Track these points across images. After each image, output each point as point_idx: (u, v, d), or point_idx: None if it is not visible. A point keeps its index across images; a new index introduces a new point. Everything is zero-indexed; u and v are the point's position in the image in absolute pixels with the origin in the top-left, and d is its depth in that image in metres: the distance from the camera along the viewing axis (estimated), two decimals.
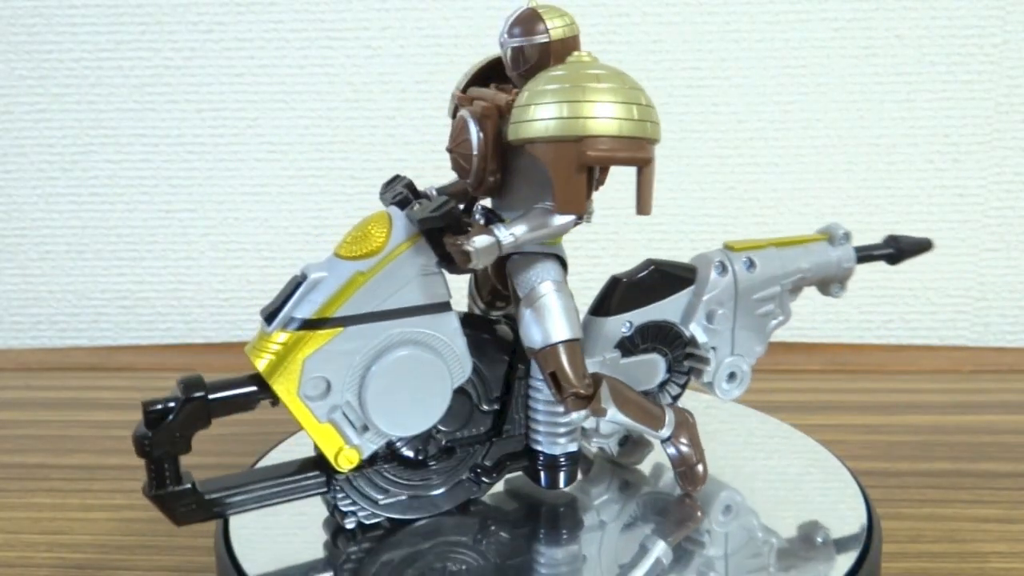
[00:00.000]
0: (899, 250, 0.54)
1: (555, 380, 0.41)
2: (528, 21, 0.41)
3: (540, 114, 0.39)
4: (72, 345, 0.92)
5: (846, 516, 0.47)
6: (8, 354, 0.90)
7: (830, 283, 0.52)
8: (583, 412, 0.42)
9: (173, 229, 0.90)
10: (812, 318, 0.89)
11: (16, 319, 0.93)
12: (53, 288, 0.92)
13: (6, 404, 0.76)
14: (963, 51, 0.84)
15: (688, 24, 0.85)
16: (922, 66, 0.85)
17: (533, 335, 0.41)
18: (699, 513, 0.47)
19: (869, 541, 0.45)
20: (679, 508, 0.48)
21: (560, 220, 0.41)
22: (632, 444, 0.51)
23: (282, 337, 0.40)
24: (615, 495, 0.49)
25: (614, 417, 0.44)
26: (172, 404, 0.39)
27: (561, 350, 0.41)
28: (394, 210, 0.42)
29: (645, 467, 0.52)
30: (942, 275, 0.88)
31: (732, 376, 0.49)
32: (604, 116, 0.39)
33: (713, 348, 0.48)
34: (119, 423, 0.71)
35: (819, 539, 0.45)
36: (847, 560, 0.43)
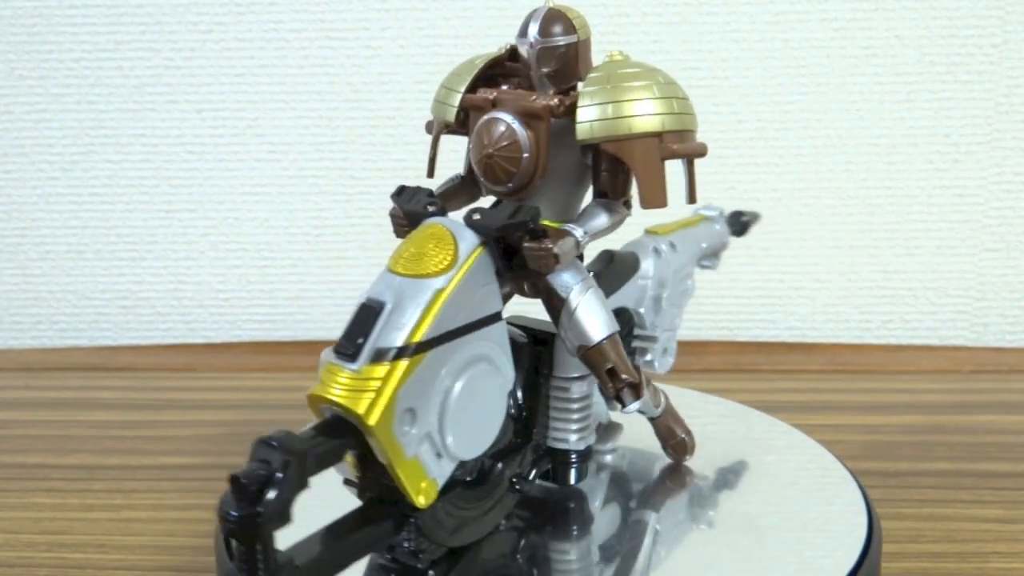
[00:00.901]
0: (741, 224, 0.59)
1: (611, 374, 0.41)
2: (558, 21, 0.41)
3: (629, 111, 0.40)
4: (72, 345, 0.92)
5: (846, 516, 0.47)
6: (8, 354, 0.90)
7: (712, 256, 0.57)
8: (635, 403, 0.42)
9: (173, 229, 0.90)
10: (812, 318, 0.89)
11: (16, 319, 0.93)
12: (53, 288, 0.92)
13: (6, 404, 0.76)
14: (963, 51, 0.84)
15: (688, 24, 0.85)
16: (922, 66, 0.85)
17: (587, 333, 0.41)
18: (700, 511, 0.47)
19: (869, 541, 0.45)
20: (681, 502, 0.48)
21: (620, 215, 0.43)
22: (603, 428, 0.51)
23: (380, 371, 0.36)
24: (612, 487, 0.49)
25: (644, 403, 0.44)
26: (279, 474, 0.33)
27: (612, 344, 0.42)
28: (447, 220, 0.40)
29: (628, 455, 0.52)
30: (942, 275, 0.88)
31: (666, 351, 0.52)
32: (678, 112, 0.41)
33: (655, 327, 0.51)
34: (119, 423, 0.71)
35: (819, 539, 0.45)
36: (847, 560, 0.43)
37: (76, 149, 0.90)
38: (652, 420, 0.50)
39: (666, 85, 0.41)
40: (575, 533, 0.46)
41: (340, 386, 0.36)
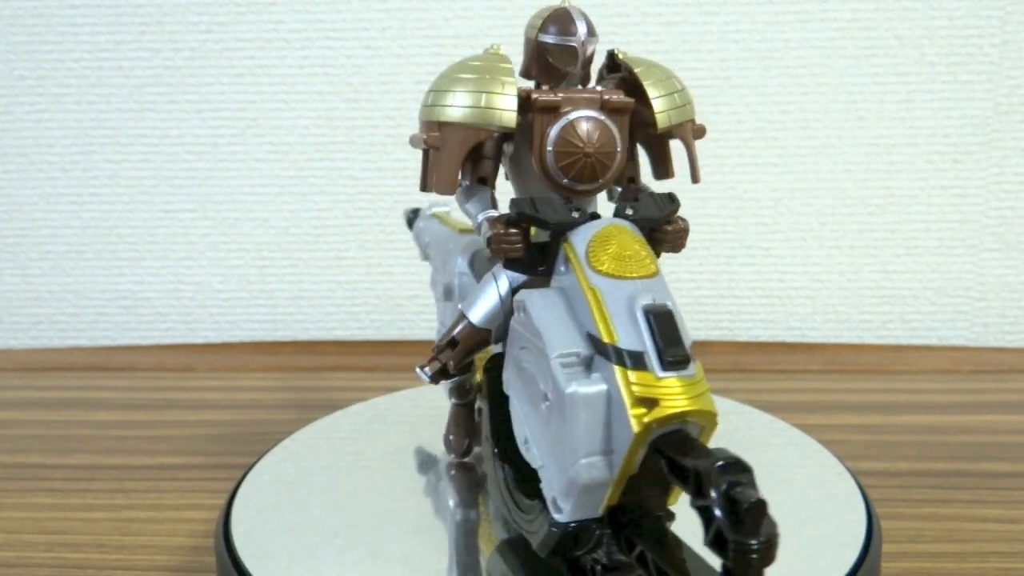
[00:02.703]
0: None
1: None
2: (589, 21, 0.43)
3: (682, 101, 0.43)
4: (72, 345, 0.92)
5: (846, 516, 0.47)
6: (8, 354, 0.90)
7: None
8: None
9: (173, 229, 0.90)
10: (812, 318, 0.89)
11: (16, 319, 0.93)
12: (53, 288, 0.92)
13: (6, 404, 0.76)
14: (963, 51, 0.85)
15: (688, 24, 0.85)
16: (922, 66, 0.85)
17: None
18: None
19: (869, 541, 0.45)
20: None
21: None
22: None
23: (700, 369, 0.34)
24: None
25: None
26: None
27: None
28: (618, 220, 0.39)
29: None
30: (942, 275, 0.88)
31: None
32: (691, 99, 0.44)
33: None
34: (119, 423, 0.71)
35: (819, 539, 0.45)
36: (847, 560, 0.43)
37: (76, 149, 0.90)
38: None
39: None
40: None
41: (689, 396, 0.33)
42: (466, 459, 0.52)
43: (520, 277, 0.41)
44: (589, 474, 0.33)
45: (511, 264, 0.40)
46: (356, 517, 0.47)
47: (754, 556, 0.29)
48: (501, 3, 0.85)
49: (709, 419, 0.33)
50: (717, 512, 0.30)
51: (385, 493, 0.49)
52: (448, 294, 0.50)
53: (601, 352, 0.34)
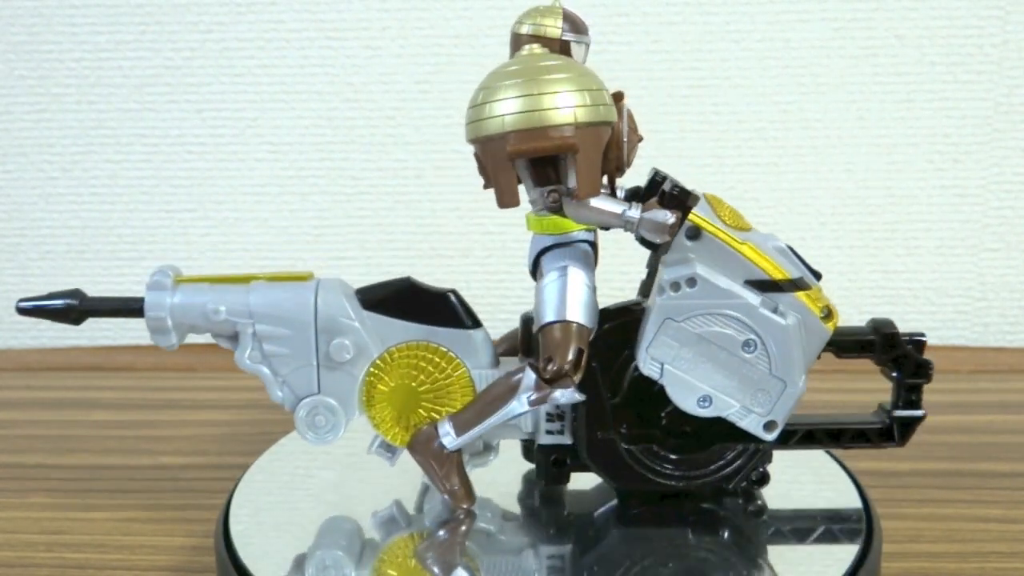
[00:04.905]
0: None
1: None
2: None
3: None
4: (72, 345, 0.92)
5: (846, 516, 0.47)
6: (8, 354, 0.90)
7: None
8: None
9: (173, 229, 0.90)
10: None
11: (16, 319, 0.93)
12: (53, 288, 0.92)
13: (6, 404, 0.76)
14: (963, 51, 0.84)
15: (688, 24, 0.85)
16: (922, 66, 0.85)
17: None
18: (696, 515, 0.47)
19: (869, 541, 0.45)
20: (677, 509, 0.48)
21: None
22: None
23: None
24: (610, 486, 0.49)
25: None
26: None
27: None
28: (695, 189, 0.43)
29: None
30: (942, 275, 0.88)
31: None
32: None
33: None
34: (119, 423, 0.71)
35: (818, 539, 0.45)
36: (847, 560, 0.43)
37: (76, 149, 0.90)
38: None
39: None
40: (552, 533, 0.46)
41: (825, 300, 0.45)
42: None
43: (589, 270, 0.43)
44: (805, 386, 0.44)
45: (655, 247, 0.44)
46: (355, 516, 0.47)
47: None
48: (501, 3, 0.85)
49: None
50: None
51: (384, 492, 0.49)
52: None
53: (774, 289, 0.43)
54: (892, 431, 0.49)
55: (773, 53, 0.85)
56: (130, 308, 0.48)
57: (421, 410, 0.46)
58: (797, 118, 0.86)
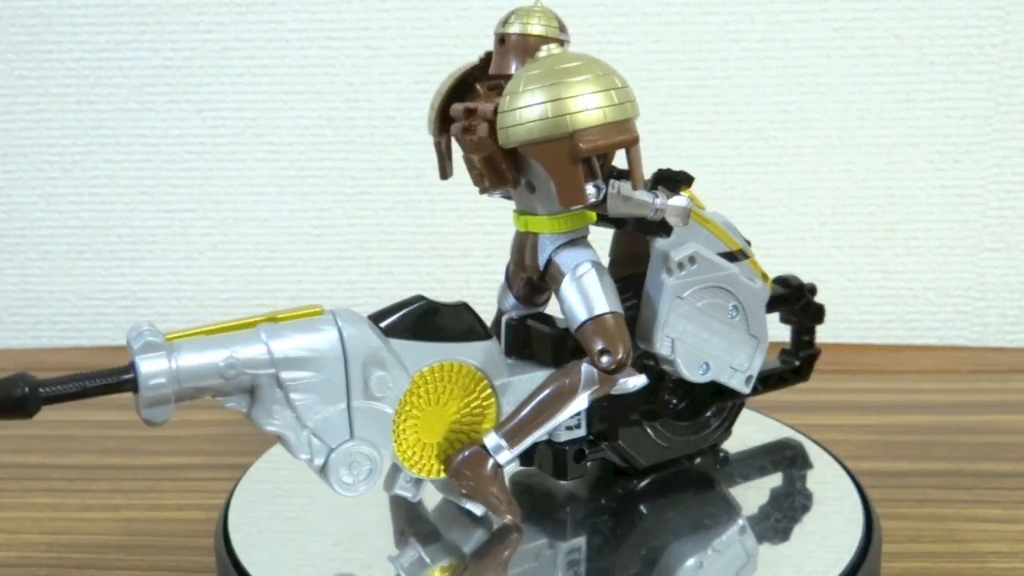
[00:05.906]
0: None
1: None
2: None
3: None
4: (72, 345, 0.92)
5: (846, 516, 0.47)
6: (8, 354, 0.90)
7: None
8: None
9: (173, 229, 0.90)
10: None
11: (16, 319, 0.93)
12: (53, 288, 0.92)
13: None
14: (963, 51, 0.85)
15: (688, 24, 0.85)
16: (922, 66, 0.85)
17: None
18: (699, 511, 0.47)
19: (869, 541, 0.45)
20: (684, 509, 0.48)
21: None
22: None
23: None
24: (610, 486, 0.49)
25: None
26: None
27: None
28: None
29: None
30: (942, 275, 0.88)
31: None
32: None
33: None
34: (119, 423, 0.71)
35: (818, 539, 0.45)
36: (847, 560, 0.43)
37: (76, 149, 0.90)
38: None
39: None
40: (558, 530, 0.46)
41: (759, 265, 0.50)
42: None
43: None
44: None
45: (667, 231, 0.45)
46: (355, 516, 0.47)
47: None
48: (501, 3, 0.85)
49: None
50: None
51: (383, 492, 0.49)
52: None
53: (733, 259, 0.48)
54: (801, 369, 0.56)
55: (773, 53, 0.85)
56: (110, 384, 0.40)
57: (451, 434, 0.44)
58: (797, 118, 0.86)
